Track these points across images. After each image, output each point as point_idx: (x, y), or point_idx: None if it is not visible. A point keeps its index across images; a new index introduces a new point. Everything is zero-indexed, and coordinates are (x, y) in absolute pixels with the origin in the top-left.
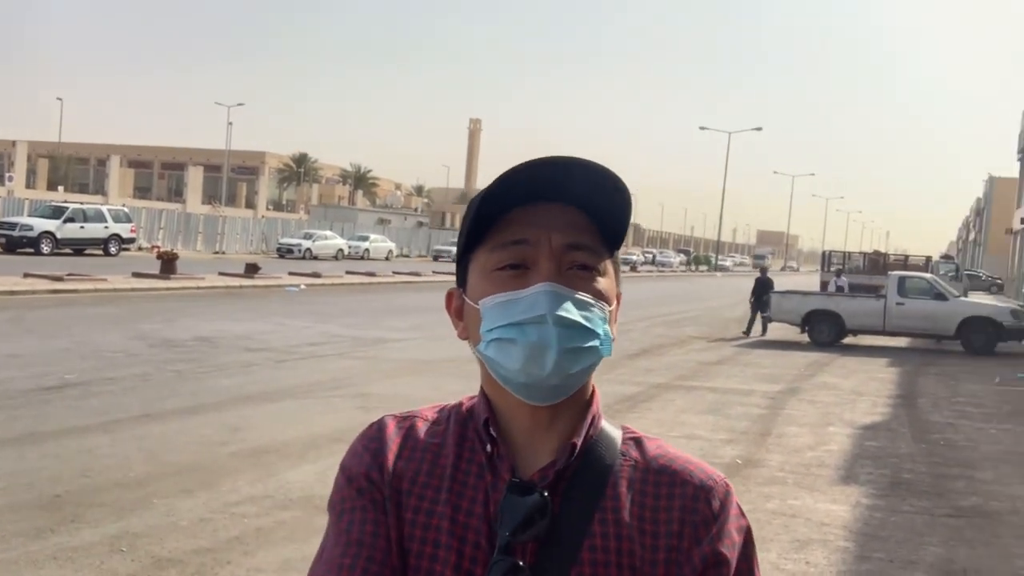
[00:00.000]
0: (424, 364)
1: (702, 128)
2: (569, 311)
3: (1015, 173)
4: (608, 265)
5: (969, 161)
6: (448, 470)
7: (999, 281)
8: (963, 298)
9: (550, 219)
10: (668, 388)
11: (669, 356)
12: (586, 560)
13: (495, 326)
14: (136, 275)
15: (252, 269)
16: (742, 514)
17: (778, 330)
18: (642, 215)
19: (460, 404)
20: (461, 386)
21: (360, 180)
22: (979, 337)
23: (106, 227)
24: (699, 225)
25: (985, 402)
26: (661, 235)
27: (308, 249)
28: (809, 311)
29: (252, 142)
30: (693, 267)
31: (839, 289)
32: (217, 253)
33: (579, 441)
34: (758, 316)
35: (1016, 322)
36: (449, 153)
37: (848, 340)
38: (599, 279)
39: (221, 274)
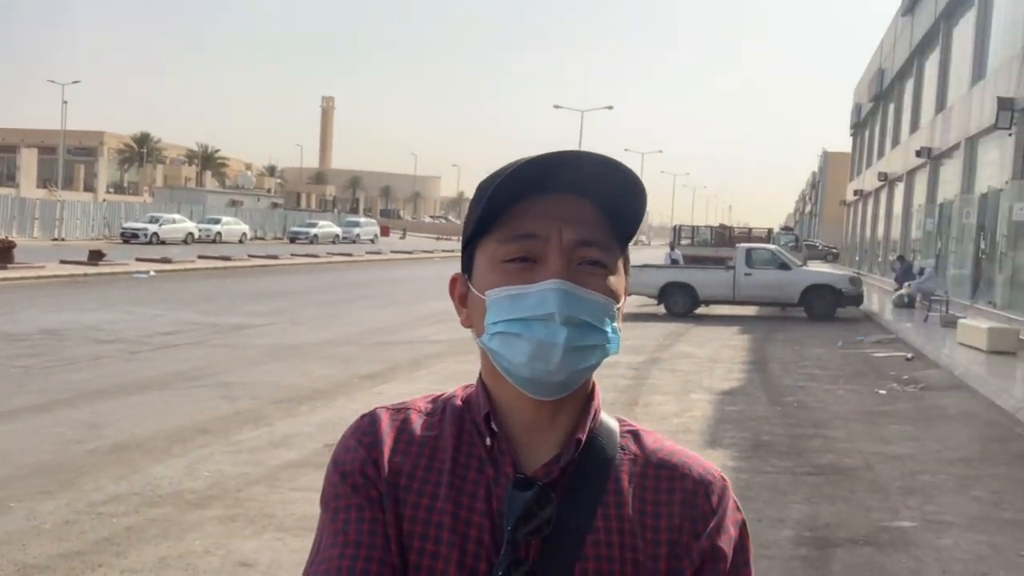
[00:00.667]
0: (289, 349)
1: (556, 107)
2: (578, 310)
3: (848, 148)
4: (619, 261)
5: (807, 137)
6: (447, 464)
7: (834, 250)
8: (805, 267)
9: (561, 212)
10: None
11: None
12: (590, 555)
13: (501, 319)
14: None
15: (96, 256)
16: (738, 508)
17: (636, 302)
18: None
19: (454, 395)
20: (332, 370)
21: (208, 160)
22: (821, 304)
23: None
24: None
25: (830, 365)
26: None
27: (155, 233)
28: (664, 283)
29: (89, 122)
30: None
31: (673, 262)
32: (56, 240)
33: (583, 436)
34: None
35: (853, 288)
36: (303, 132)
37: (701, 310)
38: (609, 277)
39: (63, 262)
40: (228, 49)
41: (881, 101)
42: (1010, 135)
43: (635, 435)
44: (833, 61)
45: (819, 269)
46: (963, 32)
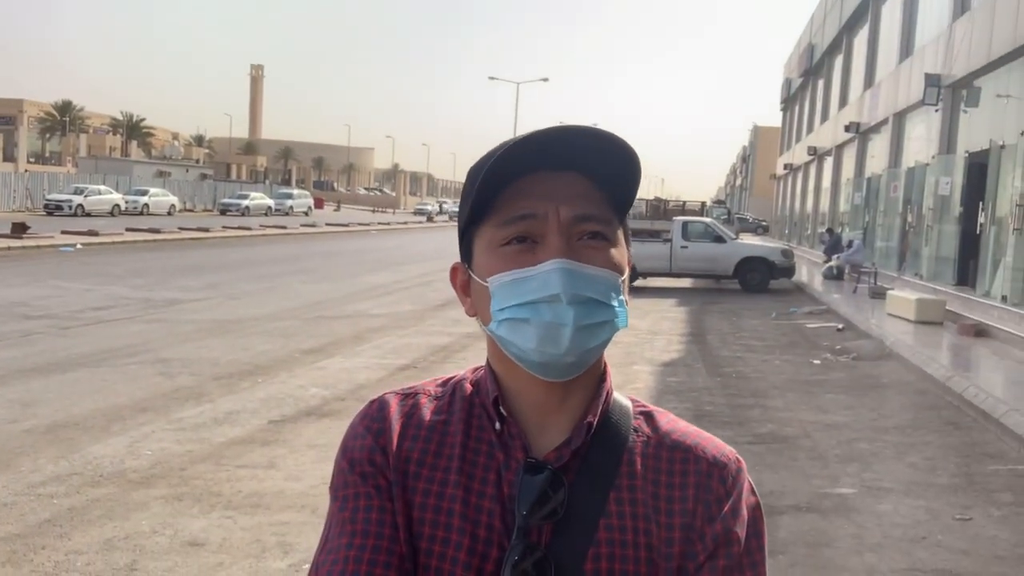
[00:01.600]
0: (226, 324)
1: (491, 78)
2: (583, 288)
3: (778, 122)
4: (619, 233)
5: (738, 111)
6: (457, 449)
7: (764, 223)
8: (739, 240)
9: (557, 190)
10: (479, 337)
11: None
12: (603, 539)
13: (507, 305)
14: None
15: (20, 228)
16: (753, 491)
17: None
18: (434, 165)
19: (464, 379)
20: (272, 345)
21: (133, 130)
22: (755, 276)
23: None
24: None
25: (765, 336)
26: (455, 184)
27: (80, 205)
28: None
29: (8, 90)
30: None
31: None
32: None
33: (595, 419)
34: None
35: (786, 261)
36: (232, 101)
37: (639, 283)
38: (611, 250)
39: None
40: (154, 15)
41: (811, 76)
42: (937, 111)
43: (648, 416)
44: (765, 36)
45: (752, 242)
46: (891, 9)
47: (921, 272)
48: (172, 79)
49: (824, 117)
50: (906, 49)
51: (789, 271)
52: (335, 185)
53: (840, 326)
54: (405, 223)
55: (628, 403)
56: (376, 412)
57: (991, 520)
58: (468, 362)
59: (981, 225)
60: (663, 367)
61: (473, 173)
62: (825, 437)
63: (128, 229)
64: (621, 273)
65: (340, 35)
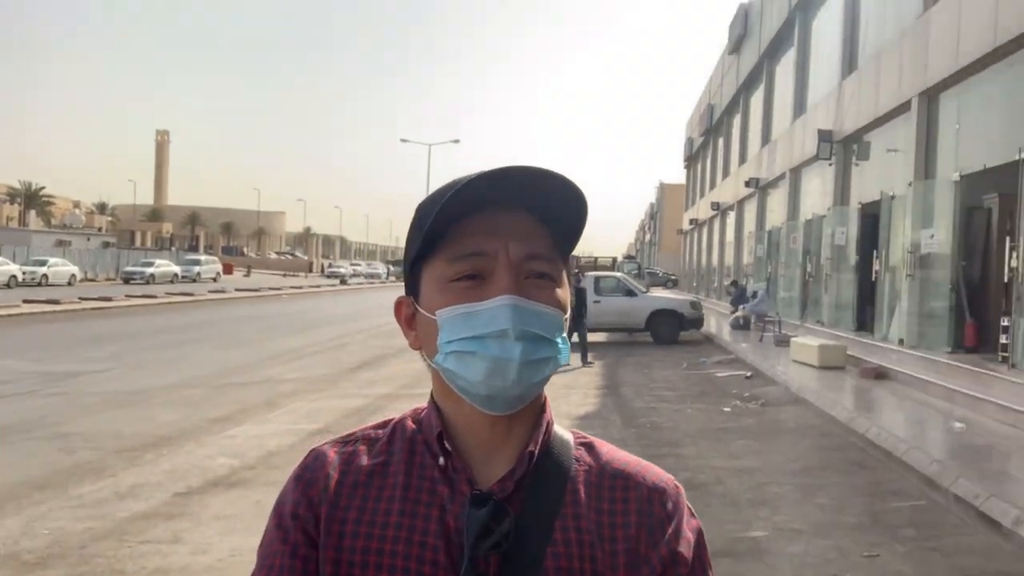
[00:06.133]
0: (130, 395)
1: (403, 140)
2: (530, 324)
3: (683, 179)
4: (563, 272)
5: (646, 170)
6: (398, 491)
7: (673, 277)
8: (649, 294)
9: (506, 228)
10: (394, 398)
11: (389, 367)
12: (550, 568)
13: (455, 338)
14: None
15: None
16: (693, 515)
17: None
18: (347, 228)
19: (404, 418)
20: (178, 415)
21: (32, 199)
22: (665, 328)
23: None
24: (404, 236)
25: (677, 385)
26: (368, 246)
27: None
28: None
29: None
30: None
31: None
32: None
33: (536, 449)
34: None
35: (695, 312)
36: (136, 167)
37: None
38: (556, 288)
39: None
40: (52, 81)
41: (711, 135)
42: (830, 165)
43: (589, 446)
44: (668, 97)
45: (662, 295)
46: (784, 70)
47: (822, 319)
48: (74, 146)
49: (725, 173)
50: (800, 107)
51: (698, 322)
52: (244, 250)
53: (748, 374)
54: (317, 286)
55: (569, 435)
56: (311, 462)
57: (896, 556)
58: None
59: (877, 272)
60: (580, 420)
61: (423, 209)
62: (737, 483)
63: (25, 301)
64: (564, 312)
65: (249, 98)
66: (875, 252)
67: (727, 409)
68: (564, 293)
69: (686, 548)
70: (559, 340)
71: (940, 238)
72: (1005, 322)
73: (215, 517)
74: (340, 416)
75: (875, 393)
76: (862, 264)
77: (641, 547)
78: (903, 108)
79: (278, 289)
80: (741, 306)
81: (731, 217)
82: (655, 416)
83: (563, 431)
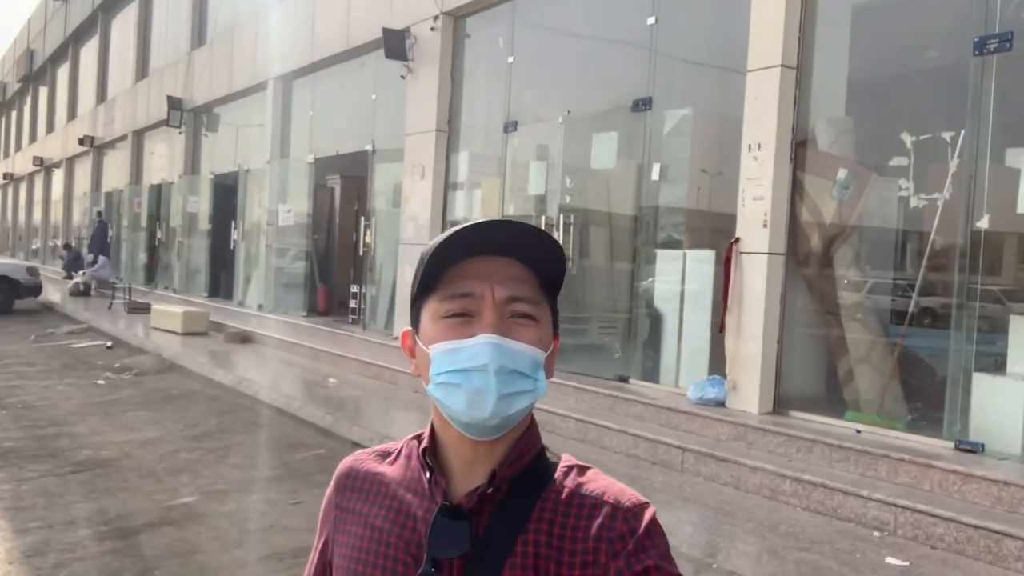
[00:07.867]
0: None
1: None
2: (508, 361)
3: None
4: (547, 313)
5: None
6: (388, 499)
7: None
8: None
9: (493, 272)
10: None
11: None
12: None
13: (442, 371)
14: None
15: None
16: (661, 532)
17: None
18: None
19: (420, 434)
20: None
21: None
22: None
23: None
24: None
25: (34, 360)
26: None
27: None
28: None
29: None
30: None
31: None
32: None
33: (499, 470)
34: None
35: (32, 279)
36: None
37: None
38: (537, 328)
39: None
40: None
41: (33, 82)
42: (180, 133)
43: (577, 470)
44: None
45: None
46: (124, 27)
47: (174, 286)
48: None
49: (51, 127)
50: (143, 69)
51: (36, 289)
52: None
53: (109, 344)
54: None
55: (558, 459)
56: (341, 468)
57: (316, 498)
58: None
59: (235, 242)
60: None
61: (424, 254)
62: (146, 454)
63: None
64: (545, 350)
65: None
66: (233, 223)
67: (101, 382)
68: (546, 332)
69: (652, 559)
70: (537, 376)
71: (297, 211)
72: (354, 288)
73: None
74: None
75: (247, 355)
76: (215, 232)
77: (601, 558)
78: (257, 88)
79: None
80: (80, 272)
81: (58, 174)
82: (23, 395)
83: (554, 456)
